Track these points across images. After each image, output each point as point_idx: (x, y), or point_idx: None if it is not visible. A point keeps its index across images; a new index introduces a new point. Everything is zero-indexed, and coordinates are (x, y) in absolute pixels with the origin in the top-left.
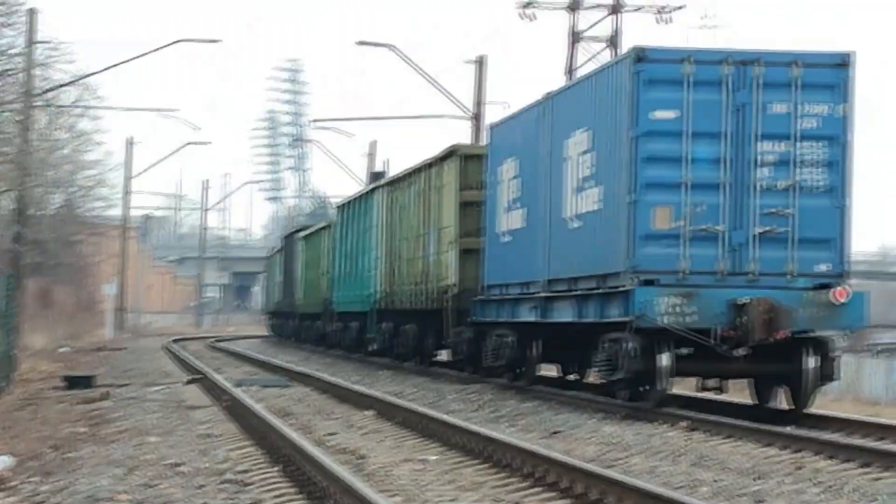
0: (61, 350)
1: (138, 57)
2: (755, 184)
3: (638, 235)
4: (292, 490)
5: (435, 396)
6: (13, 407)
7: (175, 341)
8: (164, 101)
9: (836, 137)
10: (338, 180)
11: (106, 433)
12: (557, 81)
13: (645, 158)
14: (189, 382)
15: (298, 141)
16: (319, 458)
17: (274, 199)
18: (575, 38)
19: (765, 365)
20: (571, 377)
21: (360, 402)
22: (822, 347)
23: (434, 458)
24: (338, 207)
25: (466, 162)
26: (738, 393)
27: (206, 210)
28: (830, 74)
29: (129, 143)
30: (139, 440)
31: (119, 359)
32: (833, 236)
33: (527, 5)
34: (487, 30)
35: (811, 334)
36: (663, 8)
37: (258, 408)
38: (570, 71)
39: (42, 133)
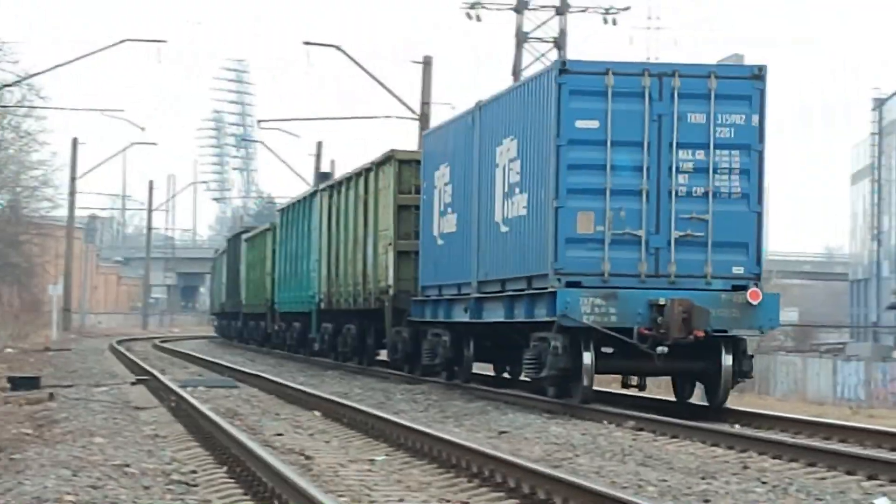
0: (6, 351)
1: (83, 57)
2: (674, 190)
3: (562, 239)
4: (239, 491)
5: (382, 397)
6: None
7: (121, 342)
8: (110, 102)
9: (750, 146)
10: (284, 181)
11: (52, 434)
12: (504, 82)
13: (568, 166)
14: (135, 383)
15: (244, 141)
16: (266, 458)
17: (220, 199)
18: (521, 38)
19: (683, 362)
20: (505, 375)
21: (307, 402)
22: (737, 346)
23: (381, 458)
24: (279, 211)
25: (403, 167)
26: (658, 390)
27: (152, 210)
28: (745, 86)
29: (75, 144)
30: (86, 441)
31: (65, 360)
32: (748, 240)
33: (473, 6)
34: (433, 30)
35: (727, 333)
36: (609, 9)
37: (204, 409)
38: (516, 72)
39: None
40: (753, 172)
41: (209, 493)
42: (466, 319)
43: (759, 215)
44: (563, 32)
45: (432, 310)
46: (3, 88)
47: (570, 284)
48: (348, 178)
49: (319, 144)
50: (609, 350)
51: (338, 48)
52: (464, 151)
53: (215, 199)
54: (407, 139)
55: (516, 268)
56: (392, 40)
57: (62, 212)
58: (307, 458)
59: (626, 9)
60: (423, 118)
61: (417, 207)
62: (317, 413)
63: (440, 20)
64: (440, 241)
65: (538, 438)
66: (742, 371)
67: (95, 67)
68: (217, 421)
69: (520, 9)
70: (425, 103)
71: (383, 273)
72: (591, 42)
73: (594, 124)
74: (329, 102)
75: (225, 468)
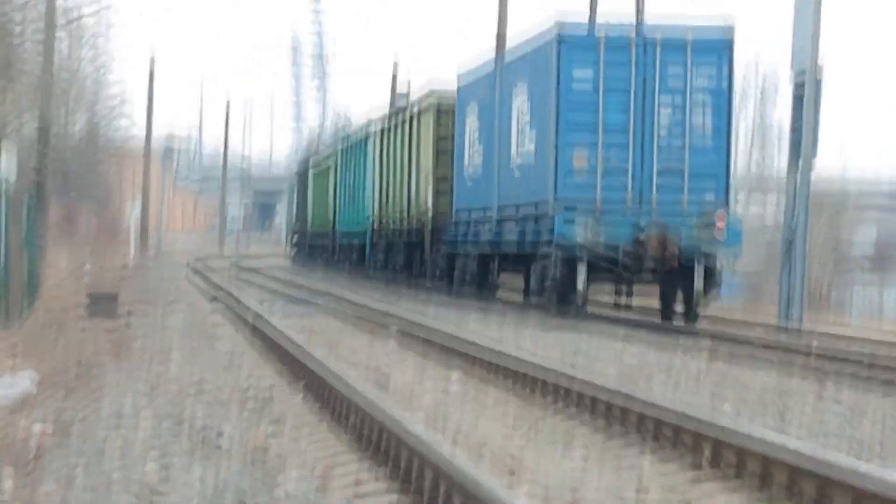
0: (85, 270)
1: None
2: (656, 131)
3: (561, 173)
4: (316, 407)
5: (457, 316)
6: (38, 326)
7: (198, 261)
8: (186, 22)
9: (721, 93)
10: (360, 101)
11: (130, 352)
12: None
13: (567, 111)
14: (213, 300)
15: (321, 60)
16: (342, 376)
17: (297, 120)
18: None
19: (663, 279)
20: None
21: (384, 321)
22: (708, 263)
23: (456, 376)
24: (340, 140)
25: (441, 111)
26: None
27: (229, 132)
28: (716, 41)
29: (152, 62)
30: (163, 359)
31: (143, 279)
32: (718, 173)
33: None
34: None
35: (700, 254)
36: None
37: (281, 326)
38: None
39: (63, 56)
40: (723, 116)
41: (285, 409)
42: (488, 239)
43: (728, 152)
44: None
45: (463, 231)
46: (80, 9)
47: (566, 210)
48: (396, 124)
49: (395, 66)
50: (600, 269)
51: None
52: (488, 96)
53: (292, 120)
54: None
55: (526, 196)
56: None
57: (139, 131)
58: (383, 375)
59: None
60: (500, 38)
61: (451, 148)
62: (394, 330)
63: None
64: (469, 173)
65: (614, 359)
66: (713, 284)
67: None
68: (294, 338)
69: None
70: (502, 20)
71: (424, 201)
72: None
73: (588, 76)
74: (404, 19)
75: (302, 384)
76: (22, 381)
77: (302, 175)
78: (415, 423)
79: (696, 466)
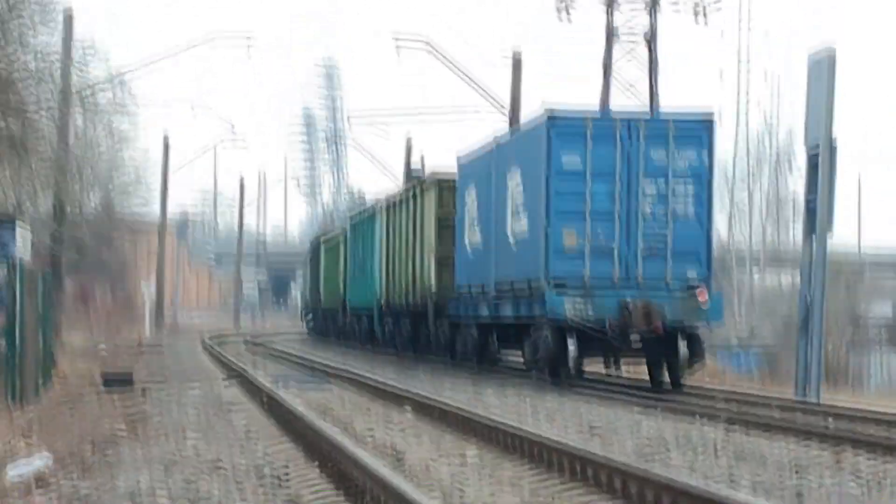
0: (100, 347)
1: (173, 55)
2: (641, 212)
3: (551, 252)
4: (331, 486)
5: (473, 393)
6: (52, 405)
7: (213, 339)
8: (199, 99)
9: (701, 176)
10: (374, 177)
11: (145, 431)
12: (594, 77)
13: (556, 194)
14: (227, 379)
15: (334, 137)
16: (358, 455)
17: (310, 196)
18: (611, 34)
19: (648, 350)
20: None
21: (398, 398)
22: (691, 335)
23: (473, 454)
24: (349, 219)
25: (443, 189)
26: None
27: (243, 207)
28: (697, 128)
29: (166, 142)
30: (178, 438)
31: (158, 357)
32: (700, 251)
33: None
34: (523, 26)
35: (683, 326)
36: (699, 4)
37: (295, 405)
38: (606, 68)
39: (79, 132)
40: (704, 197)
41: (301, 489)
42: (487, 314)
43: (709, 232)
44: (653, 29)
45: (464, 307)
46: (94, 87)
47: (557, 287)
48: (402, 199)
49: (409, 141)
50: (590, 340)
51: (427, 43)
52: (486, 176)
53: (305, 196)
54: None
55: (520, 274)
56: (481, 36)
57: (153, 208)
58: (398, 453)
59: (717, 2)
60: (513, 114)
61: (453, 224)
62: (408, 409)
63: (530, 16)
64: (469, 250)
65: (630, 434)
66: (695, 355)
67: (186, 65)
68: (308, 417)
69: (611, 3)
70: (515, 99)
71: (427, 276)
72: (682, 39)
73: (576, 160)
74: (418, 98)
75: (317, 464)
76: (37, 462)
77: (315, 251)
78: None
79: None
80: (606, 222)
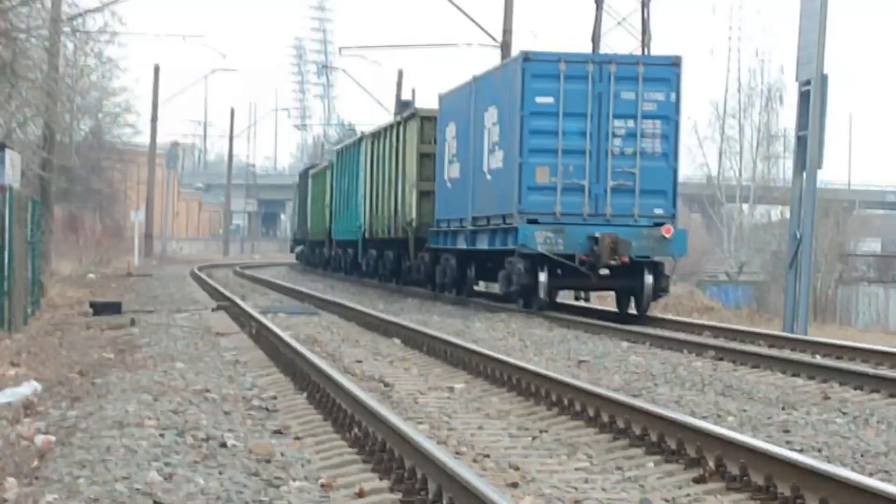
0: (88, 276)
1: None
2: (610, 150)
3: (524, 187)
4: (319, 417)
5: (462, 325)
6: (40, 333)
7: (202, 268)
8: (190, 28)
9: (668, 117)
10: (365, 108)
11: (133, 360)
12: (587, 9)
13: (530, 131)
14: (216, 309)
15: (325, 68)
16: (346, 385)
17: (301, 127)
18: None
19: (616, 281)
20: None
21: (387, 330)
22: (656, 268)
23: (460, 386)
24: (336, 151)
25: (424, 122)
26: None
27: (233, 137)
28: (665, 71)
29: (157, 70)
30: (166, 367)
31: (146, 285)
32: (666, 188)
33: None
34: None
35: (648, 259)
36: None
37: (285, 335)
38: None
39: (69, 60)
40: (671, 137)
41: (289, 419)
42: (464, 247)
43: (675, 170)
44: None
45: (443, 238)
46: (85, 14)
47: (529, 221)
48: (385, 130)
49: (400, 73)
50: (560, 271)
51: None
52: (465, 113)
53: (296, 127)
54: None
55: (496, 208)
56: None
57: (144, 138)
58: (386, 385)
59: None
60: (505, 46)
61: (434, 156)
62: (396, 341)
63: None
64: (448, 184)
65: (618, 368)
66: (660, 287)
67: None
68: (297, 347)
69: None
70: (507, 31)
71: (409, 208)
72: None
73: (550, 100)
74: (410, 30)
75: (305, 394)
76: (25, 389)
77: (303, 182)
78: None
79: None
80: (577, 159)
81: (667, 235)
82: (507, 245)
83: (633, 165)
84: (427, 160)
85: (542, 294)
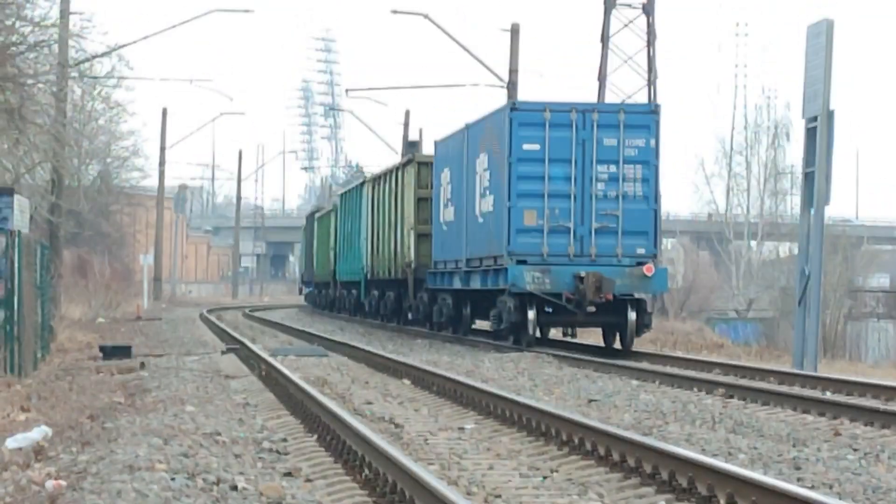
0: (98, 320)
1: (171, 27)
2: (594, 193)
3: (513, 230)
4: (330, 459)
5: (471, 365)
6: (50, 377)
7: (211, 311)
8: (198, 72)
9: (649, 161)
10: (373, 149)
11: (143, 403)
12: (593, 49)
13: (518, 176)
14: (226, 352)
15: (332, 110)
16: (356, 427)
17: (308, 168)
18: (609, 4)
19: (601, 317)
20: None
21: (396, 370)
22: (639, 305)
23: (470, 426)
24: (340, 195)
25: (421, 167)
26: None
27: (241, 180)
28: (645, 118)
29: (164, 114)
30: (177, 410)
31: (156, 329)
32: (647, 229)
33: None
34: None
35: (631, 296)
36: None
37: (294, 377)
38: (604, 38)
39: (77, 104)
40: (651, 180)
41: (299, 461)
42: (460, 287)
43: (656, 212)
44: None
45: (440, 279)
46: (93, 59)
47: (519, 262)
48: (385, 175)
49: (407, 113)
50: (549, 309)
51: (425, 16)
52: (458, 159)
53: (304, 169)
54: (495, 107)
55: (487, 249)
56: (479, 7)
57: (152, 182)
58: (397, 425)
59: None
60: (511, 86)
61: (430, 199)
62: (406, 381)
63: None
64: (444, 227)
65: (628, 406)
66: (643, 323)
67: (184, 38)
68: (307, 389)
69: None
70: (513, 71)
71: (408, 250)
72: (678, 7)
73: (536, 147)
74: (416, 71)
75: (315, 436)
76: (35, 434)
77: (310, 225)
78: None
79: None
80: (563, 202)
81: (648, 274)
82: (498, 285)
83: (616, 208)
84: (424, 204)
85: (531, 331)
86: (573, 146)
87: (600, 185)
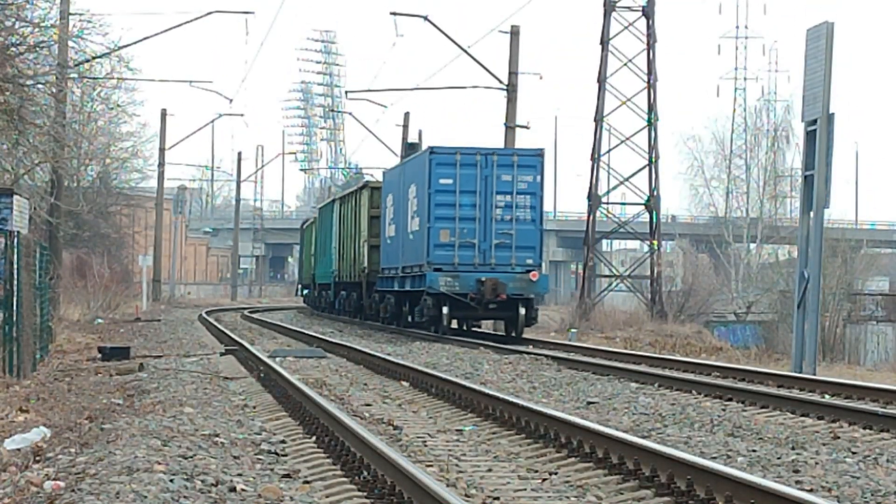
0: (97, 321)
1: (171, 28)
2: (493, 217)
3: (432, 245)
4: (328, 461)
5: (470, 367)
6: (49, 378)
7: (210, 313)
8: (198, 74)
9: (535, 193)
10: (372, 151)
11: (142, 404)
12: (593, 51)
13: (435, 204)
14: (224, 353)
15: (332, 112)
16: (355, 428)
17: (308, 170)
18: (609, 7)
19: (498, 312)
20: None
21: (395, 372)
22: (528, 303)
23: (469, 428)
24: (318, 209)
25: (373, 191)
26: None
27: (240, 181)
28: (533, 160)
29: (164, 115)
30: (175, 411)
31: (154, 330)
32: (535, 245)
33: None
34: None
35: (521, 296)
36: None
37: (293, 379)
38: (604, 41)
39: (76, 106)
40: (538, 207)
41: (298, 463)
42: (397, 288)
43: (541, 231)
44: (651, 1)
45: (386, 283)
46: (93, 60)
47: (435, 270)
48: (349, 195)
49: (407, 115)
50: (458, 306)
51: (425, 18)
52: (397, 188)
53: (303, 171)
54: (494, 108)
55: (414, 259)
56: (479, 10)
57: (151, 183)
58: (395, 428)
59: None
60: (511, 88)
61: (380, 218)
62: (405, 383)
63: None
64: (388, 241)
65: (626, 409)
66: (531, 317)
67: (184, 39)
68: (306, 391)
69: None
70: (512, 73)
71: (363, 258)
72: (679, 8)
73: (450, 181)
74: (416, 73)
75: (314, 438)
76: (33, 436)
77: (303, 231)
78: None
79: None
80: (470, 224)
81: (534, 279)
82: (422, 287)
83: (511, 228)
84: (376, 221)
85: (445, 322)
86: (478, 181)
87: (498, 211)
